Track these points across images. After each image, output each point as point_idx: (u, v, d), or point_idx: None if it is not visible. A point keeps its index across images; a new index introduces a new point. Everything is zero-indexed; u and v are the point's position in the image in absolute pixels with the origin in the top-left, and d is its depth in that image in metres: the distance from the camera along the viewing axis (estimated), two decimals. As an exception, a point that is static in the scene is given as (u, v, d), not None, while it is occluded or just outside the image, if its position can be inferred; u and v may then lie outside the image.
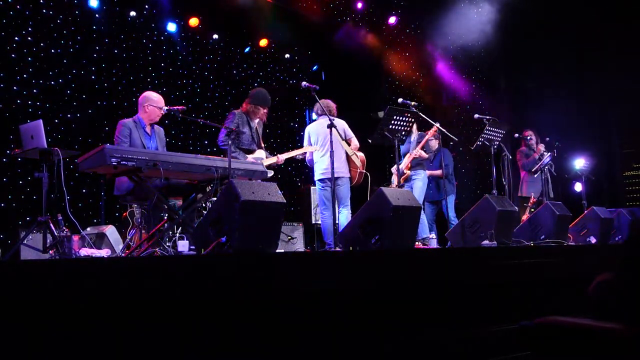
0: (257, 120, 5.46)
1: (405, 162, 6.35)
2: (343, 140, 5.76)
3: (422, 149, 6.30)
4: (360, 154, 6.02)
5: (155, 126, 4.87)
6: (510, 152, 6.28)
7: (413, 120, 5.19)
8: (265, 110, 5.46)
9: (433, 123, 5.88)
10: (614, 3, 8.34)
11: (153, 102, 4.71)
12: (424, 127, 6.46)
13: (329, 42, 9.12)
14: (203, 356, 2.40)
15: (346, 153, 5.81)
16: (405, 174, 6.33)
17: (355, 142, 6.04)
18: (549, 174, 7.20)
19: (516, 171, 7.53)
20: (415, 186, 6.32)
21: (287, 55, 9.44)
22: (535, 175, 7.05)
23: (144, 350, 2.26)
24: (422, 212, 6.37)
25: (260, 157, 5.34)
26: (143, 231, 5.18)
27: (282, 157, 5.56)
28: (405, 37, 9.50)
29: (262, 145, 5.57)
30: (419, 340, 3.04)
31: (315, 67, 9.98)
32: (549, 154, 6.92)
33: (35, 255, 4.55)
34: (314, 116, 6.17)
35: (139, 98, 4.83)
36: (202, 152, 8.04)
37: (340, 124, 6.10)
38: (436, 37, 8.90)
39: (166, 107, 4.53)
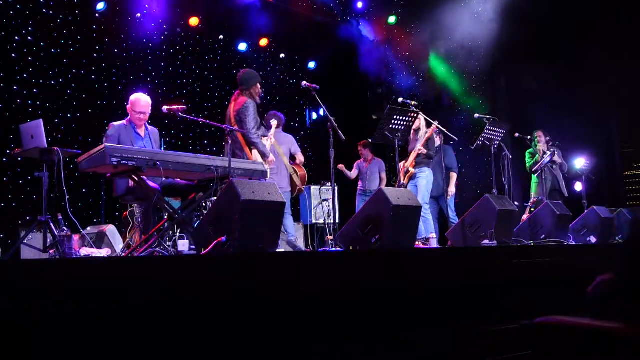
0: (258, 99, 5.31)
1: (410, 159, 6.34)
2: (289, 155, 5.95)
3: (424, 146, 6.29)
4: (302, 172, 5.97)
5: (150, 127, 4.84)
6: (511, 152, 6.27)
7: (415, 117, 5.18)
8: (259, 86, 5.22)
9: (432, 122, 5.88)
10: (615, 2, 8.34)
11: (131, 104, 4.68)
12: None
13: (328, 41, 9.12)
14: (203, 356, 2.40)
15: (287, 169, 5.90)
16: (409, 171, 6.31)
17: (301, 157, 6.04)
18: (560, 173, 7.19)
19: (518, 171, 7.53)
20: (419, 184, 6.29)
21: (282, 55, 9.44)
22: (537, 175, 7.06)
23: (143, 350, 2.26)
24: (428, 210, 6.38)
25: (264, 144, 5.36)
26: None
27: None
28: (405, 37, 9.51)
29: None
30: (419, 340, 3.04)
31: (314, 67, 9.98)
32: (549, 154, 6.92)
33: (35, 254, 4.55)
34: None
35: None
36: (202, 152, 8.05)
37: (289, 139, 6.11)
38: (436, 37, 8.91)
39: (166, 107, 4.53)
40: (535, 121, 7.83)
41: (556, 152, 7.15)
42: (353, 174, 7.87)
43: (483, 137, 5.61)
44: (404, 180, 6.19)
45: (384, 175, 8.05)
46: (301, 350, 2.66)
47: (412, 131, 6.35)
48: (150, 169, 3.87)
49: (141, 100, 4.68)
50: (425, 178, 6.31)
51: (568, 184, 7.82)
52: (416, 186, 6.29)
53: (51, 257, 4.05)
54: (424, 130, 6.33)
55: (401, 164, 6.20)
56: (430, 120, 5.99)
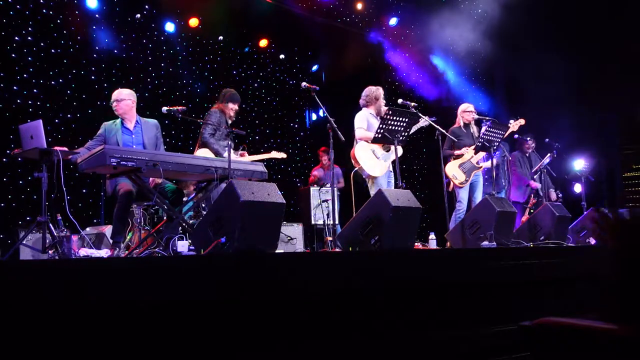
0: (228, 121, 5.44)
1: (478, 157, 6.03)
2: None
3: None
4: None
5: (144, 120, 4.83)
6: (510, 153, 6.28)
7: (416, 117, 5.15)
8: (232, 106, 5.39)
9: (432, 122, 5.87)
10: (614, 3, 8.35)
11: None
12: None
13: (328, 42, 9.13)
14: (202, 357, 2.40)
15: None
16: (478, 167, 6.09)
17: None
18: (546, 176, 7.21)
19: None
20: (480, 182, 6.17)
21: (281, 56, 9.45)
22: (535, 177, 7.08)
23: (142, 350, 2.26)
24: None
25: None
26: (142, 231, 5.19)
27: (249, 157, 5.52)
28: (404, 37, 9.52)
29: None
30: (419, 341, 3.04)
31: (315, 68, 9.98)
32: (548, 155, 6.93)
33: (34, 255, 4.54)
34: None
35: None
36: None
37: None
38: (435, 37, 8.92)
39: (166, 108, 4.54)
40: (534, 122, 7.85)
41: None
42: (314, 179, 8.04)
43: (482, 138, 5.61)
44: (470, 177, 6.06)
45: (342, 179, 8.13)
46: (301, 350, 2.66)
47: (462, 124, 6.29)
48: (149, 169, 3.88)
49: (116, 92, 4.75)
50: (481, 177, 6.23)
51: (566, 186, 7.84)
52: (477, 183, 6.12)
53: (50, 257, 4.04)
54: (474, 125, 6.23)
55: (452, 167, 6.05)
56: (430, 121, 5.98)
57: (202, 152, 5.20)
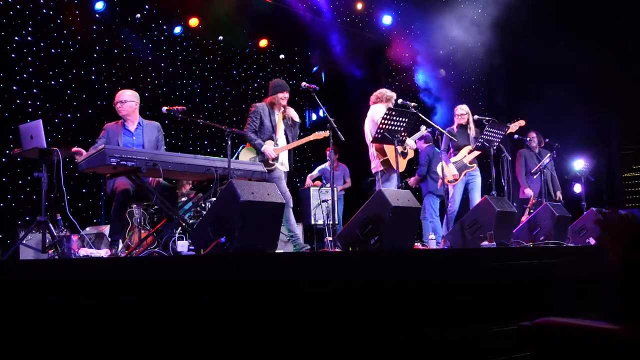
0: (277, 112, 5.33)
1: (471, 157, 6.13)
2: None
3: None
4: None
5: (147, 122, 4.82)
6: (510, 154, 6.27)
7: (416, 118, 5.15)
8: (282, 94, 5.24)
9: (432, 123, 5.87)
10: (614, 3, 8.35)
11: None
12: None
13: (328, 42, 9.13)
14: (202, 357, 2.40)
15: None
16: (470, 167, 6.15)
17: None
18: (549, 175, 7.20)
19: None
20: (476, 183, 6.20)
21: (281, 56, 9.44)
22: (535, 177, 7.06)
23: (142, 351, 2.26)
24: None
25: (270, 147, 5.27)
26: (142, 231, 5.19)
27: (292, 144, 5.45)
28: (405, 38, 9.52)
29: (278, 136, 5.36)
30: (419, 341, 3.04)
31: (315, 68, 9.98)
32: (549, 155, 6.92)
33: (34, 255, 4.54)
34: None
35: None
36: (202, 152, 8.05)
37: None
38: (435, 38, 8.92)
39: (166, 108, 4.54)
40: (534, 123, 7.85)
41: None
42: (315, 178, 7.98)
43: (482, 138, 5.60)
44: (460, 175, 6.09)
45: (348, 180, 8.12)
46: (301, 350, 2.66)
47: (457, 125, 6.35)
48: (149, 169, 3.88)
49: (120, 93, 4.75)
50: (479, 177, 6.25)
51: (566, 186, 7.84)
52: (474, 184, 6.16)
53: (50, 257, 4.04)
54: (474, 129, 6.26)
55: (443, 165, 6.03)
56: (430, 122, 5.98)
57: (246, 151, 5.24)
